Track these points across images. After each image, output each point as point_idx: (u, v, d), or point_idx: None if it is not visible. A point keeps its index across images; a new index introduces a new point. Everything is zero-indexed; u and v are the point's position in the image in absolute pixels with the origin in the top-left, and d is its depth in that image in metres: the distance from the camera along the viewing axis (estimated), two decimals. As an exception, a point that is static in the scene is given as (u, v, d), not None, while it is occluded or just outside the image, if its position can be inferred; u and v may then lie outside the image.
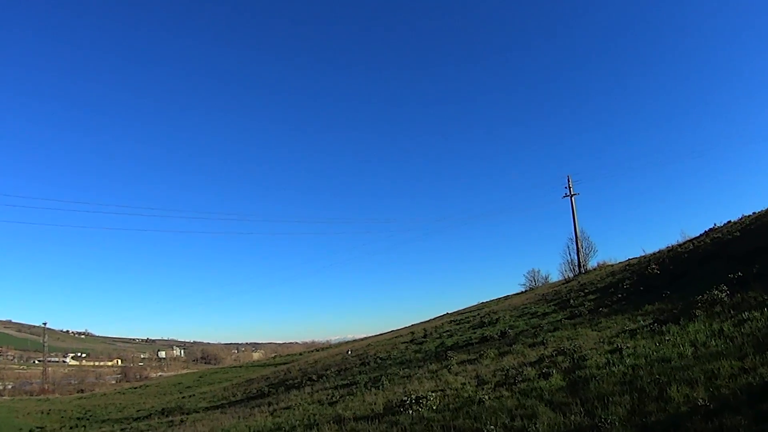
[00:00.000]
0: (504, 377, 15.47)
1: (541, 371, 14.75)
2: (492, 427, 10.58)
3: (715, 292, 16.73)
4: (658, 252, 37.57)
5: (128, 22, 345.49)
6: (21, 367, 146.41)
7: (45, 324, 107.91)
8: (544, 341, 20.23)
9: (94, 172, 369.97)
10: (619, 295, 26.32)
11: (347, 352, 46.88)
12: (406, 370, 23.69)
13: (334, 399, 20.49)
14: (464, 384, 16.12)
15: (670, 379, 10.88)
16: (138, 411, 45.72)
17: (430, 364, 23.02)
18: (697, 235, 36.10)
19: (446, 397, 14.71)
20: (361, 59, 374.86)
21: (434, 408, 13.67)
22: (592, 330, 20.18)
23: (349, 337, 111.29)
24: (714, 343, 12.79)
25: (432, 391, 15.68)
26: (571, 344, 17.40)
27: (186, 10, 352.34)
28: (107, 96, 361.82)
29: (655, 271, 28.76)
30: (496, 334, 26.42)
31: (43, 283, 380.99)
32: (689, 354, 12.50)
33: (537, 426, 10.19)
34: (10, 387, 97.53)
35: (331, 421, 15.19)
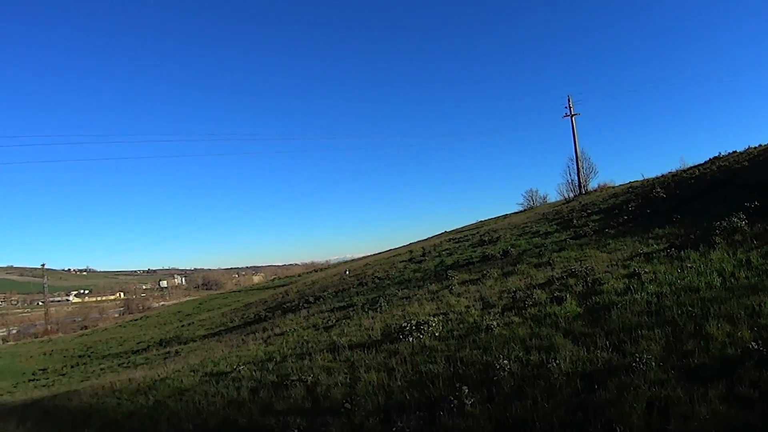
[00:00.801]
0: (512, 300, 14.03)
1: (552, 295, 13.31)
2: (505, 361, 9.06)
3: (734, 220, 15.16)
4: (662, 176, 35.69)
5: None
6: (25, 310, 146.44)
7: (43, 265, 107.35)
8: (551, 261, 18.76)
9: (80, 104, 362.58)
10: (625, 217, 24.78)
11: (345, 272, 45.75)
12: (404, 290, 22.38)
13: (329, 323, 19.33)
14: (468, 307, 14.71)
15: (704, 313, 9.44)
16: (138, 343, 45.55)
17: (430, 284, 21.65)
18: (702, 162, 34.20)
19: (449, 322, 13.31)
20: None
21: (437, 335, 12.26)
22: (601, 251, 18.68)
23: (348, 256, 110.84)
24: (744, 275, 11.28)
25: (433, 315, 14.30)
26: (581, 266, 15.88)
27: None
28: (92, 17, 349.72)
29: (661, 194, 27.15)
30: (498, 253, 24.99)
31: (40, 224, 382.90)
32: (718, 285, 10.99)
33: (557, 362, 8.70)
34: (14, 331, 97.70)
35: (325, 350, 13.91)
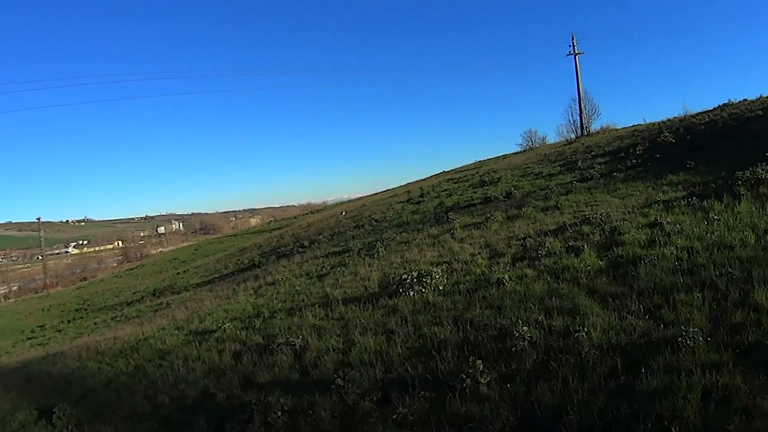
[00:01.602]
0: (522, 249, 12.58)
1: (567, 244, 11.86)
2: (524, 327, 7.61)
3: (759, 171, 13.53)
4: (668, 120, 33.98)
5: None
6: (26, 265, 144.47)
7: (39, 219, 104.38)
8: (558, 205, 17.27)
9: (64, 45, 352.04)
10: (633, 161, 23.23)
11: (341, 213, 44.37)
12: (403, 234, 20.94)
13: (323, 271, 18.01)
14: (474, 255, 13.26)
15: (746, 277, 8.04)
16: (133, 294, 44.66)
17: (430, 227, 20.20)
18: (711, 108, 32.53)
19: (454, 273, 11.89)
20: None
21: (441, 289, 10.84)
22: (612, 196, 17.20)
23: (345, 197, 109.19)
24: (782, 233, 9.87)
25: (436, 264, 12.94)
26: (594, 212, 14.36)
27: None
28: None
29: (670, 139, 25.50)
30: (501, 194, 23.50)
31: (35, 177, 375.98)
32: (752, 243, 9.56)
33: (586, 329, 7.28)
34: (15, 288, 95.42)
35: (317, 305, 12.53)
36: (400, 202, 36.08)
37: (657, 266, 9.25)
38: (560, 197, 18.75)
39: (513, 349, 7.27)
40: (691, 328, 6.63)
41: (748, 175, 13.68)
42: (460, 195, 29.22)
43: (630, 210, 14.25)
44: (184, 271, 49.44)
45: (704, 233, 10.61)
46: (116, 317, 31.14)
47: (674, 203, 13.68)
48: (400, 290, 11.10)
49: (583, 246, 11.30)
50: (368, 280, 13.86)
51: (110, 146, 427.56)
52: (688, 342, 6.43)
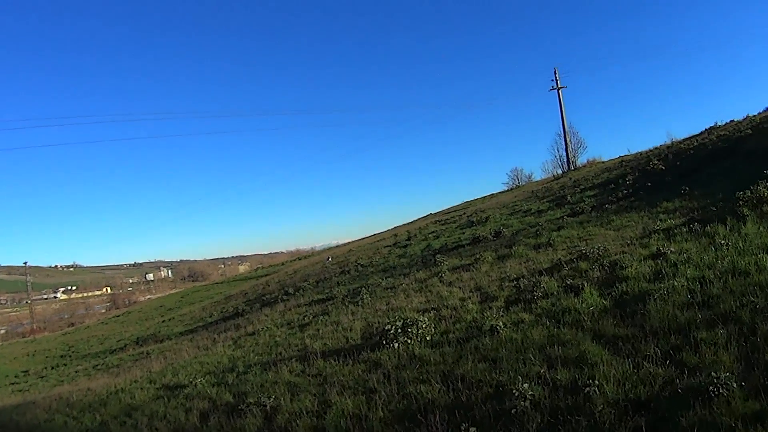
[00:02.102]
0: (515, 291, 11.51)
1: (565, 283, 10.80)
2: (525, 384, 6.47)
3: (761, 189, 12.79)
4: (656, 149, 33.53)
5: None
6: (14, 309, 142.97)
7: (26, 263, 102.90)
8: (551, 242, 16.27)
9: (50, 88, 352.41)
10: (624, 191, 22.47)
11: (327, 259, 43.40)
12: (389, 279, 19.85)
13: (305, 320, 16.95)
14: (464, 300, 12.19)
15: (771, 307, 7.01)
16: (118, 341, 43.81)
17: (417, 271, 19.10)
18: (698, 132, 32.22)
19: (443, 321, 10.77)
20: None
21: (428, 339, 9.70)
22: (606, 229, 16.31)
23: (334, 243, 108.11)
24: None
25: (423, 311, 11.87)
26: (589, 246, 13.38)
27: None
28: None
29: (659, 167, 24.86)
30: (489, 234, 22.50)
31: (25, 221, 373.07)
32: (768, 266, 8.57)
33: (597, 382, 6.17)
34: (2, 331, 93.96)
35: (295, 358, 11.41)
36: (387, 246, 35.10)
37: (668, 301, 8.25)
38: (552, 233, 17.80)
39: (512, 411, 6.12)
40: (721, 373, 5.61)
41: (749, 194, 13.00)
42: (448, 236, 28.25)
43: (628, 242, 13.34)
44: (170, 319, 48.55)
45: (714, 260, 9.70)
46: (98, 365, 30.24)
47: (675, 231, 12.78)
48: (384, 342, 9.95)
49: (583, 284, 10.26)
50: (350, 330, 12.78)
51: (99, 192, 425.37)
52: (721, 390, 5.38)
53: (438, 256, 20.85)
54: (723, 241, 10.65)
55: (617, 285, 9.71)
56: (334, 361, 10.22)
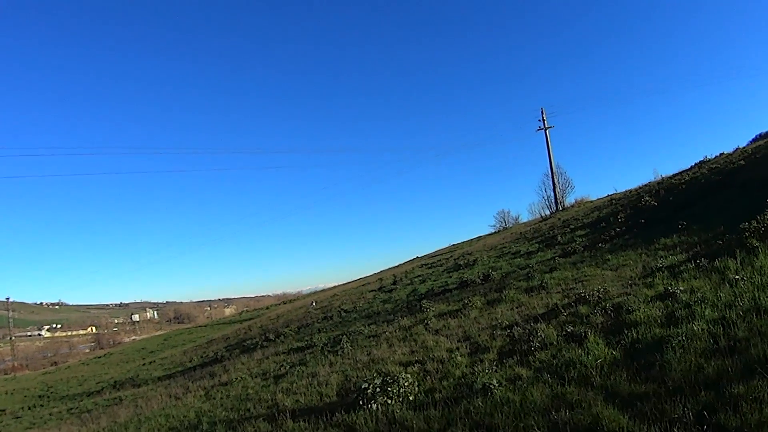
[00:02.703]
0: (509, 341, 10.24)
1: (565, 331, 9.55)
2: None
3: (767, 218, 11.81)
4: (646, 185, 33.08)
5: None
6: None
7: (8, 299, 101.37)
8: (544, 285, 15.04)
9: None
10: (617, 229, 21.45)
11: (311, 304, 42.09)
12: (372, 326, 18.49)
13: (281, 371, 15.61)
14: (451, 351, 10.86)
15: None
16: (97, 383, 42.30)
17: (402, 318, 17.76)
18: (687, 167, 31.98)
19: (428, 377, 9.44)
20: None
21: (411, 400, 8.34)
22: (603, 269, 15.14)
23: (321, 286, 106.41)
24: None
25: (406, 364, 10.59)
26: (587, 288, 12.20)
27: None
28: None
29: (652, 203, 24.07)
30: (478, 277, 21.25)
31: (9, 256, 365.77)
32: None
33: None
34: None
35: (263, 417, 10.03)
36: (372, 290, 33.78)
37: (689, 349, 7.08)
38: (544, 275, 16.63)
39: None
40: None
41: (755, 225, 12.08)
42: (434, 280, 27.00)
43: (629, 282, 12.22)
44: (150, 362, 47.07)
45: (731, 298, 8.62)
46: (72, 409, 29.03)
47: (681, 268, 11.72)
48: (361, 402, 8.57)
49: (586, 332, 9.01)
50: (326, 385, 11.41)
51: (87, 229, 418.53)
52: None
53: (424, 301, 19.54)
54: (736, 277, 9.60)
55: (625, 332, 8.49)
56: (305, 422, 8.83)
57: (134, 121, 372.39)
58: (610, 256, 16.50)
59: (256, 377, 16.24)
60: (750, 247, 11.15)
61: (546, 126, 51.29)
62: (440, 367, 9.87)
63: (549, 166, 50.80)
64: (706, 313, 8.20)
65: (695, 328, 7.68)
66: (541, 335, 9.54)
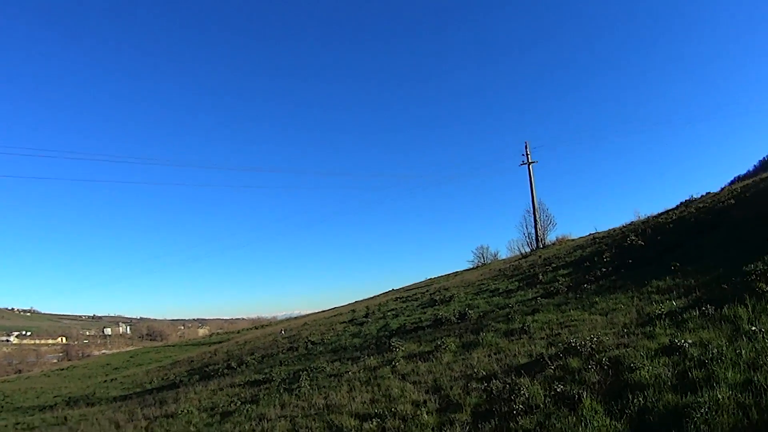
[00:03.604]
0: (486, 398, 8.53)
1: (553, 390, 7.88)
2: None
3: None
4: (631, 224, 31.87)
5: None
6: None
7: None
8: (526, 329, 13.36)
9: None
10: (603, 269, 19.96)
11: (280, 332, 40.26)
12: (336, 363, 16.73)
13: (231, 407, 14.13)
14: (418, 406, 9.13)
15: None
16: (54, 397, 39.57)
17: (369, 356, 15.96)
18: (674, 206, 30.75)
19: (386, 438, 7.68)
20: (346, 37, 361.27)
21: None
22: (591, 313, 13.55)
23: (296, 313, 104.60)
24: None
25: (363, 417, 9.00)
26: (577, 336, 10.56)
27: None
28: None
29: (638, 242, 22.71)
30: (453, 315, 19.50)
31: None
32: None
33: None
34: None
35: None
36: (343, 322, 31.93)
37: (716, 427, 5.39)
38: (526, 317, 14.97)
39: None
40: None
41: (762, 267, 10.78)
42: (408, 316, 25.24)
43: (624, 330, 10.61)
44: (111, 380, 44.41)
45: (753, 355, 7.16)
46: (20, 424, 26.88)
47: (683, 315, 10.20)
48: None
49: (580, 393, 7.36)
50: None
51: (64, 236, 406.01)
52: None
53: (394, 339, 17.78)
54: (753, 328, 8.14)
55: (630, 396, 6.87)
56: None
57: (113, 129, 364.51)
58: (597, 299, 14.97)
59: (203, 412, 14.79)
60: (761, 293, 9.73)
61: (530, 161, 49.84)
62: (402, 426, 8.14)
63: (531, 202, 49.31)
64: (729, 376, 6.62)
65: (719, 396, 6.08)
66: (524, 393, 7.85)
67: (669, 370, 7.42)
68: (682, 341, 8.33)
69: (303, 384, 13.99)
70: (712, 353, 7.50)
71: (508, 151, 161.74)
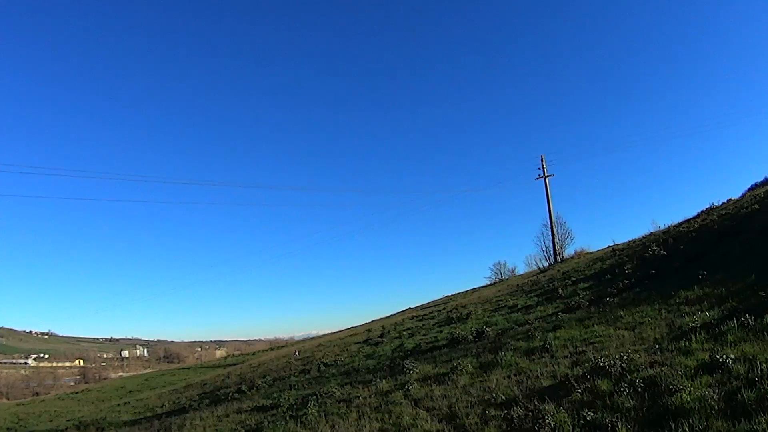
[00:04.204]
0: (506, 427, 7.63)
1: (582, 419, 6.95)
2: None
3: None
4: (651, 234, 30.85)
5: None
6: None
7: None
8: (548, 346, 12.40)
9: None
10: (625, 282, 19.02)
11: (294, 353, 39.39)
12: (347, 387, 15.74)
13: None
14: (431, 437, 8.18)
15: None
16: (67, 421, 39.39)
17: (381, 379, 14.99)
18: (695, 215, 29.61)
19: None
20: (352, 56, 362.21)
21: None
22: (616, 328, 12.58)
23: (313, 333, 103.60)
24: None
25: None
26: (604, 354, 9.60)
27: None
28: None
29: (661, 252, 21.78)
30: (471, 333, 18.55)
31: (4, 282, 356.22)
32: None
33: None
34: None
35: None
36: (358, 342, 31.00)
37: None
38: (547, 334, 13.99)
39: None
40: None
41: None
42: (424, 335, 24.27)
43: (656, 345, 9.67)
44: (124, 404, 43.98)
45: None
46: None
47: (720, 327, 9.30)
48: None
49: (614, 422, 6.44)
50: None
51: (83, 260, 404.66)
52: None
53: (408, 360, 16.86)
54: None
55: (672, 425, 5.92)
56: None
57: (128, 150, 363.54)
58: (622, 312, 13.99)
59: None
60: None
61: (546, 174, 48.63)
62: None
63: (548, 216, 48.05)
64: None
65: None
66: (549, 422, 6.94)
67: (714, 392, 6.49)
68: (724, 357, 7.43)
69: (310, 410, 13.10)
70: (761, 370, 6.57)
71: (522, 166, 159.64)
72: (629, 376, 7.97)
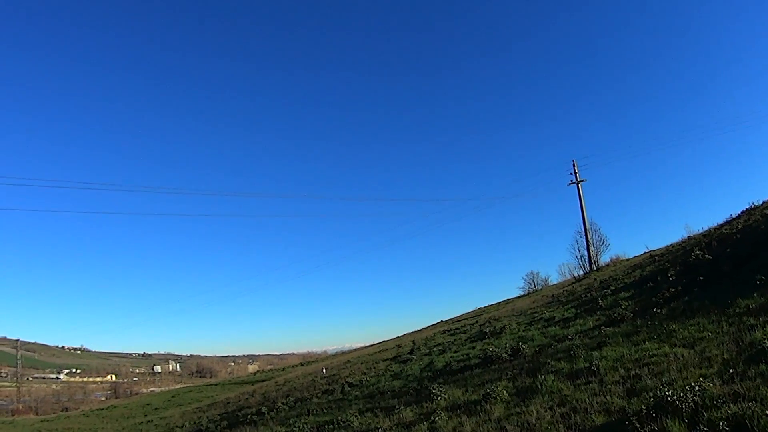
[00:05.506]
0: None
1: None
2: None
3: None
4: (691, 238, 28.82)
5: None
6: (13, 384, 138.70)
7: (18, 340, 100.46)
8: (594, 368, 10.70)
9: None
10: (671, 290, 17.11)
11: (321, 370, 38.10)
12: (368, 414, 14.22)
13: None
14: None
15: None
16: None
17: (406, 406, 13.39)
18: (736, 215, 27.47)
19: None
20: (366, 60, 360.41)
21: None
22: (671, 345, 10.82)
23: (347, 346, 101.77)
24: None
25: None
26: (665, 381, 7.93)
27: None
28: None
29: (705, 257, 19.79)
30: (505, 351, 16.76)
31: (38, 298, 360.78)
32: None
33: None
34: None
35: None
36: (386, 359, 29.46)
37: None
38: (591, 353, 12.28)
39: None
40: None
41: None
42: (455, 351, 22.56)
43: (729, 370, 7.99)
44: (148, 422, 43.75)
45: None
46: None
47: None
48: None
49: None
50: None
51: (115, 275, 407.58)
52: None
53: (437, 383, 15.17)
54: None
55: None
56: None
57: (152, 161, 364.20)
58: (675, 326, 12.24)
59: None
60: None
61: (578, 179, 46.76)
62: None
63: (582, 223, 46.01)
64: None
65: None
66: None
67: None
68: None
69: (327, 444, 11.61)
70: None
71: (551, 173, 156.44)
72: (706, 414, 6.31)
